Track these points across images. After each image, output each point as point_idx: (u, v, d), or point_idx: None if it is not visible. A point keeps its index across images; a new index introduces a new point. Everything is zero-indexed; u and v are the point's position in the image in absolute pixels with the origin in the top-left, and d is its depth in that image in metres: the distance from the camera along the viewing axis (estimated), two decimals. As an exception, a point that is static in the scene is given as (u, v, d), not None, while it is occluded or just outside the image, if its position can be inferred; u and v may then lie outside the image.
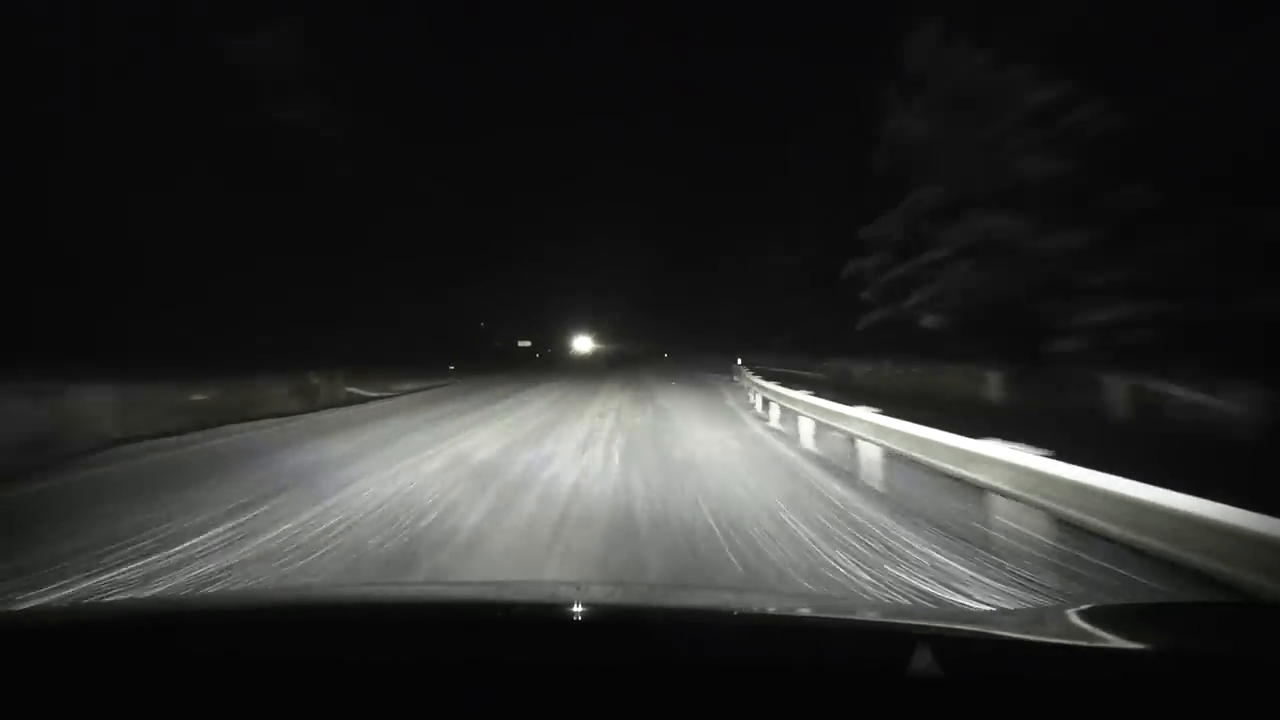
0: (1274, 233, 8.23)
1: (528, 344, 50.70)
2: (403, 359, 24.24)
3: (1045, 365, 11.10)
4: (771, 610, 1.36)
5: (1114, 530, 2.52)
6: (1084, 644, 0.93)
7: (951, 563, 3.29)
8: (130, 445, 7.46)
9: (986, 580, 3.04)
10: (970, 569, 3.19)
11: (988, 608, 2.61)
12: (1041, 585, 2.92)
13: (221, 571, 3.22)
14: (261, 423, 9.69)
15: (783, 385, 9.06)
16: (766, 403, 9.81)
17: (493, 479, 5.37)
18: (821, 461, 6.17)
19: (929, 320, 14.09)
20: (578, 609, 1.12)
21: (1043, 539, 3.06)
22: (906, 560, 3.32)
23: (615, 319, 58.79)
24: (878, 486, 4.97)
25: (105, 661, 0.95)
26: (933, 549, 3.50)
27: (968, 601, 2.80)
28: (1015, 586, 2.96)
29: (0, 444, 6.17)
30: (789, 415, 8.15)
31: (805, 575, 3.10)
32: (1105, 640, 0.93)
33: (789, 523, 4.00)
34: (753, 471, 5.71)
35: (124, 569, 3.28)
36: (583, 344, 55.67)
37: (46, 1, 14.35)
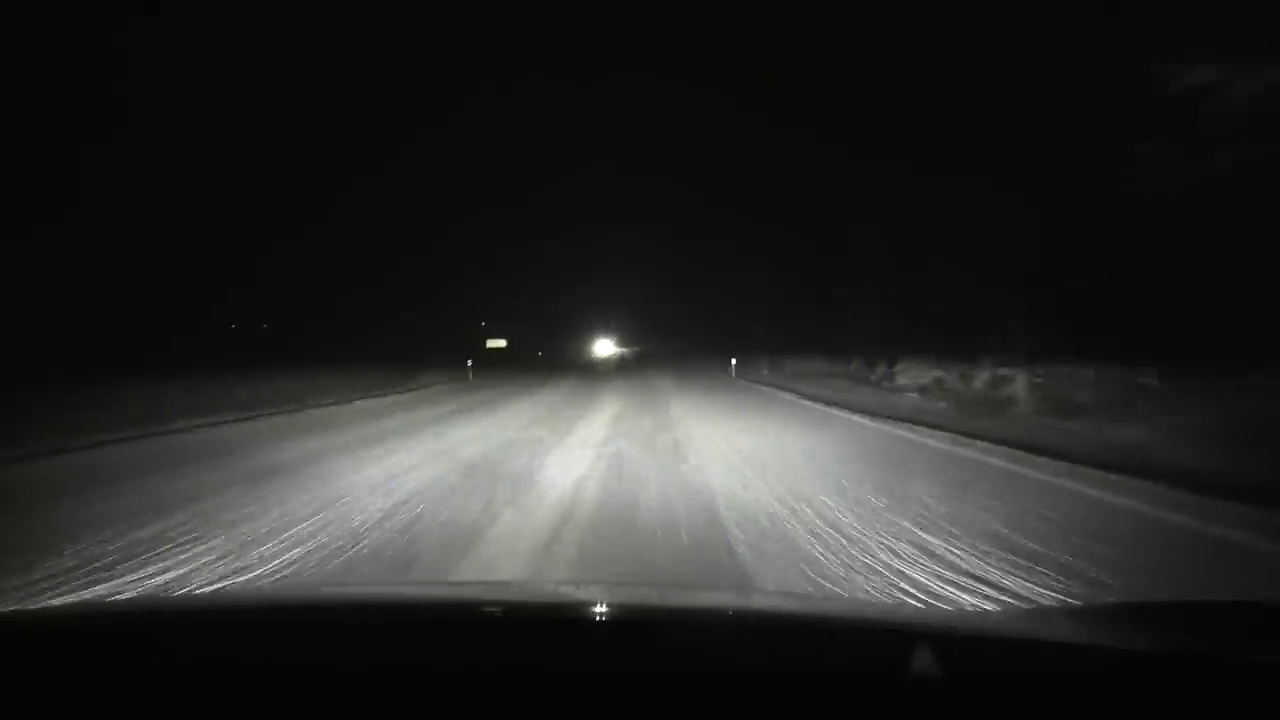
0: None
1: (501, 344, 45.98)
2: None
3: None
4: (771, 610, 1.36)
5: None
6: (1084, 644, 0.93)
7: None
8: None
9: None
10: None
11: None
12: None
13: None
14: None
15: None
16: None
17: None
18: None
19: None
20: (578, 609, 1.12)
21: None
22: None
23: (653, 318, 49.15)
24: None
25: (104, 662, 0.94)
26: None
27: None
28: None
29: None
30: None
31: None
32: (1105, 640, 0.93)
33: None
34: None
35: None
36: (603, 348, 46.27)
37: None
